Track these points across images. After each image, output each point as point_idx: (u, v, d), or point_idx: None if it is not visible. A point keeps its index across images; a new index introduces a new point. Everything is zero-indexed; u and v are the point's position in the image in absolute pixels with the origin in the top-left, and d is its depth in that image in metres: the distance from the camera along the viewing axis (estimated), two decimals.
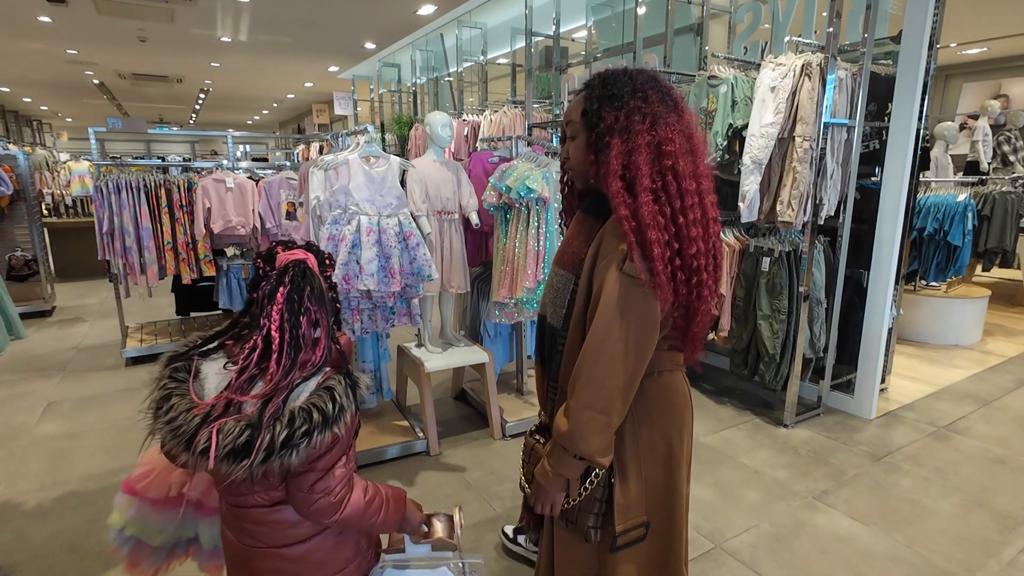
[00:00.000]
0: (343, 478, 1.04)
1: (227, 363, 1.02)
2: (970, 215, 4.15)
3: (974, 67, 8.06)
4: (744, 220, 2.94)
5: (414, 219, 2.52)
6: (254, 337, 0.97)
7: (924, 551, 2.05)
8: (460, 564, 1.22)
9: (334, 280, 1.15)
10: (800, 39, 2.79)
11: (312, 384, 0.99)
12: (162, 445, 0.96)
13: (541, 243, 2.67)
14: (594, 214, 1.16)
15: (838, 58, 2.71)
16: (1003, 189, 4.65)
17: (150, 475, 1.23)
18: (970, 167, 6.10)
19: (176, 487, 1.24)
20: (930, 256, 4.22)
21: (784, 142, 2.81)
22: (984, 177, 5.02)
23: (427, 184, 2.73)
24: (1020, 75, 7.71)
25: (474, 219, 2.89)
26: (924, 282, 4.52)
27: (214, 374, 1.01)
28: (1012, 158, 6.01)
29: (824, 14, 2.76)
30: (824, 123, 2.68)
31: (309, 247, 1.09)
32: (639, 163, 1.03)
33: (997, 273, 5.76)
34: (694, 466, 1.70)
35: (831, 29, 2.63)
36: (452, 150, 4.87)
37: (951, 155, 5.45)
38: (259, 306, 0.99)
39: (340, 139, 2.52)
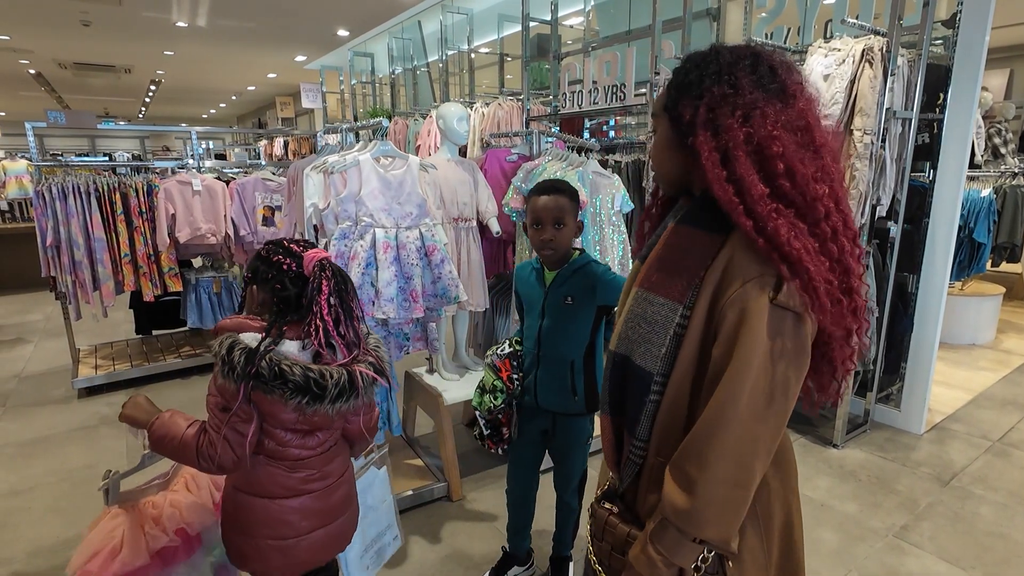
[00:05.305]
0: None
1: (305, 342, 1.16)
2: (994, 211, 4.00)
3: None
4: None
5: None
6: (311, 322, 1.14)
7: None
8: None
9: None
10: (856, 21, 2.52)
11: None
12: (301, 412, 1.12)
13: None
14: (704, 226, 0.92)
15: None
16: (1013, 183, 4.54)
17: (110, 552, 1.20)
18: None
19: (156, 539, 1.25)
20: (954, 254, 4.05)
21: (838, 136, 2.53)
22: (981, 172, 4.90)
23: (442, 187, 2.35)
24: (998, 67, 7.76)
25: (495, 227, 2.53)
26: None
27: (296, 353, 1.14)
28: (1003, 150, 5.96)
29: None
30: (883, 114, 2.42)
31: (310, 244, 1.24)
32: (738, 169, 0.83)
33: (996, 267, 5.71)
34: None
35: (894, 11, 2.36)
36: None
37: None
38: (308, 298, 1.14)
39: (343, 134, 2.11)
